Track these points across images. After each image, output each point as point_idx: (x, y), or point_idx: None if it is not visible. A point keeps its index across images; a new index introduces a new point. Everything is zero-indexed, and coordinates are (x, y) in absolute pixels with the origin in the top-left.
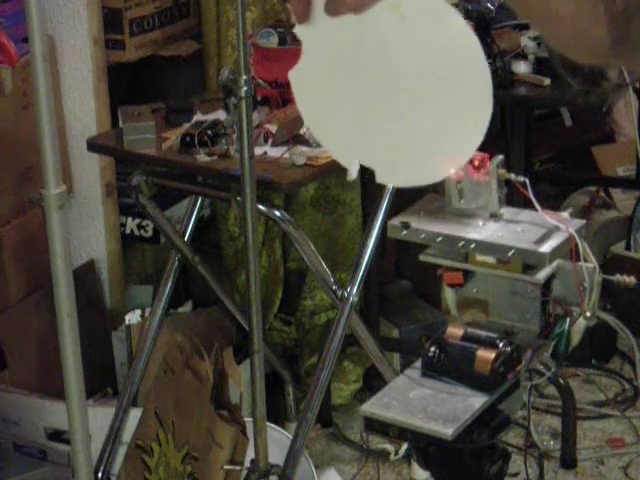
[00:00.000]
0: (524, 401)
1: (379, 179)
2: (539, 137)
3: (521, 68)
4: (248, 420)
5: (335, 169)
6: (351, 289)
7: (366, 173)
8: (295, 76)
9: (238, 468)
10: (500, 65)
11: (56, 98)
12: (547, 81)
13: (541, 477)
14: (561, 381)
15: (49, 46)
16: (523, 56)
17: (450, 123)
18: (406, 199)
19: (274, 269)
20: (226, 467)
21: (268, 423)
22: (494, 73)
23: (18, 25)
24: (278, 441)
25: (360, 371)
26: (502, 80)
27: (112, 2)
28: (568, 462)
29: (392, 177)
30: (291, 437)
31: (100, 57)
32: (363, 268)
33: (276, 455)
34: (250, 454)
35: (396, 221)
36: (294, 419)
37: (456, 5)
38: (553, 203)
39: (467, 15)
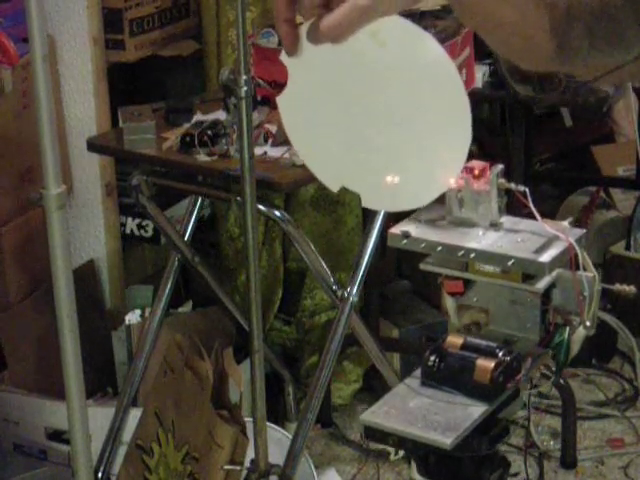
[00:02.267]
0: (524, 401)
1: (365, 203)
2: (539, 137)
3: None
4: (248, 420)
5: None
6: (351, 289)
7: None
8: (282, 101)
9: (238, 468)
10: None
11: (56, 98)
12: None
13: (541, 477)
14: (561, 381)
15: (49, 46)
16: None
17: (431, 147)
18: None
19: (274, 269)
20: (226, 467)
21: (268, 423)
22: (494, 73)
23: (18, 25)
24: (278, 441)
25: (360, 371)
26: (502, 80)
27: (112, 2)
28: (568, 462)
29: (378, 201)
30: (291, 437)
31: (100, 57)
32: (363, 268)
33: (276, 455)
34: (250, 454)
35: (396, 230)
36: (294, 419)
37: None
38: (553, 203)
39: None
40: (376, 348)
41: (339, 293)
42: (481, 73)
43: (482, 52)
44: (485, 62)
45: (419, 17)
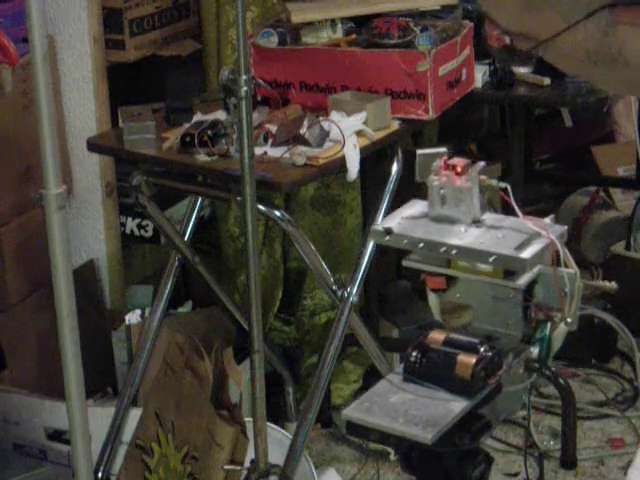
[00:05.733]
0: (524, 401)
1: None
2: (539, 137)
3: (521, 68)
4: (248, 420)
5: (335, 169)
6: (351, 289)
7: (366, 173)
8: None
9: (238, 468)
10: (500, 65)
11: (56, 98)
12: (547, 81)
13: (541, 477)
14: (561, 381)
15: (49, 46)
16: None
17: None
18: (405, 200)
19: (274, 269)
20: (226, 467)
21: (268, 423)
22: (494, 73)
23: (18, 25)
24: (278, 441)
25: (360, 371)
26: (502, 80)
27: (112, 2)
28: (568, 462)
29: None
30: (291, 437)
31: (100, 57)
32: (363, 268)
33: (276, 455)
34: (250, 454)
35: (379, 226)
36: (294, 419)
37: (456, 5)
38: (553, 203)
39: (467, 15)
40: (376, 348)
41: (339, 293)
42: (481, 73)
43: (482, 52)
44: (485, 62)
45: (419, 17)
